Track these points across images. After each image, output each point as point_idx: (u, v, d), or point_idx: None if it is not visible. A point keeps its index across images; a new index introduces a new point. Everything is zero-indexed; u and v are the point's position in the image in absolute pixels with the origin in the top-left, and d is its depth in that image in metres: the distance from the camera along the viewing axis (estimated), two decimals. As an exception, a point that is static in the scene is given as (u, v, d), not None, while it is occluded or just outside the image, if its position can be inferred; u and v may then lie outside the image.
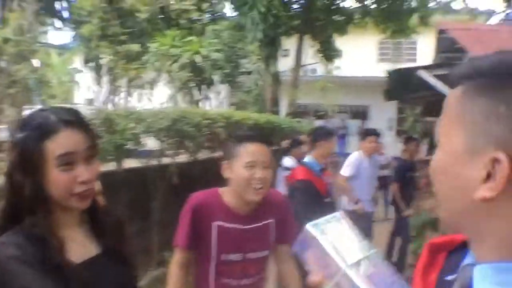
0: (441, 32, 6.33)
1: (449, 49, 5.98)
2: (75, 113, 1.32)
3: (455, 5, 11.69)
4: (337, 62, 12.67)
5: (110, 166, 5.72)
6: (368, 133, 5.21)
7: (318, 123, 16.31)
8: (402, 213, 5.62)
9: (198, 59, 7.66)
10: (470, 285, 0.65)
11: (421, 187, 6.80)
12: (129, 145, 5.83)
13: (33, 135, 1.22)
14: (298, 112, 12.31)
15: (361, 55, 15.50)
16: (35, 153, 1.21)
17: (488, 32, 5.34)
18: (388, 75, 5.94)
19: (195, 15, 7.49)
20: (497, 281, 0.62)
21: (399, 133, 14.70)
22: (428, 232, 5.99)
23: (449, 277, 0.75)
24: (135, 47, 6.43)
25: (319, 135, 3.81)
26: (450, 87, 0.70)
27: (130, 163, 6.01)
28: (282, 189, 4.96)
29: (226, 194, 1.96)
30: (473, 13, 13.04)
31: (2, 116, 4.36)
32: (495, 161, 0.58)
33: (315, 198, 2.94)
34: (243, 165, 1.84)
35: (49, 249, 1.23)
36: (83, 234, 1.41)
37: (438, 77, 4.67)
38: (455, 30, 5.44)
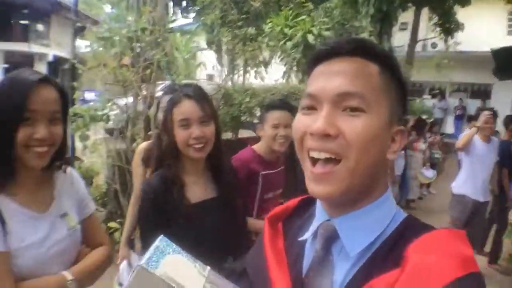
0: None
1: None
2: (196, 89, 1.80)
3: None
4: (459, 36, 11.80)
5: (227, 135, 6.47)
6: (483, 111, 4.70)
7: (432, 102, 15.45)
8: (506, 201, 5.22)
9: (310, 38, 7.90)
10: (336, 236, 0.79)
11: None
12: (244, 117, 6.50)
13: (168, 106, 1.77)
14: (412, 90, 11.76)
15: (487, 28, 14.16)
16: (168, 117, 1.76)
17: None
18: (493, 54, 5.42)
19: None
20: (359, 225, 0.77)
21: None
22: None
23: (301, 238, 0.86)
24: (251, 30, 7.03)
25: None
26: (333, 52, 0.80)
27: (244, 134, 6.69)
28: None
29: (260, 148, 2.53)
30: None
31: (141, 92, 5.19)
32: (398, 132, 0.79)
33: None
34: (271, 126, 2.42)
35: (174, 188, 1.71)
36: (204, 179, 1.82)
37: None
38: None
